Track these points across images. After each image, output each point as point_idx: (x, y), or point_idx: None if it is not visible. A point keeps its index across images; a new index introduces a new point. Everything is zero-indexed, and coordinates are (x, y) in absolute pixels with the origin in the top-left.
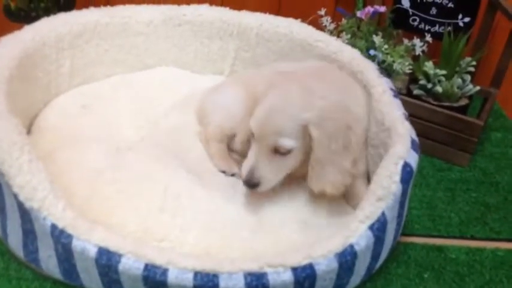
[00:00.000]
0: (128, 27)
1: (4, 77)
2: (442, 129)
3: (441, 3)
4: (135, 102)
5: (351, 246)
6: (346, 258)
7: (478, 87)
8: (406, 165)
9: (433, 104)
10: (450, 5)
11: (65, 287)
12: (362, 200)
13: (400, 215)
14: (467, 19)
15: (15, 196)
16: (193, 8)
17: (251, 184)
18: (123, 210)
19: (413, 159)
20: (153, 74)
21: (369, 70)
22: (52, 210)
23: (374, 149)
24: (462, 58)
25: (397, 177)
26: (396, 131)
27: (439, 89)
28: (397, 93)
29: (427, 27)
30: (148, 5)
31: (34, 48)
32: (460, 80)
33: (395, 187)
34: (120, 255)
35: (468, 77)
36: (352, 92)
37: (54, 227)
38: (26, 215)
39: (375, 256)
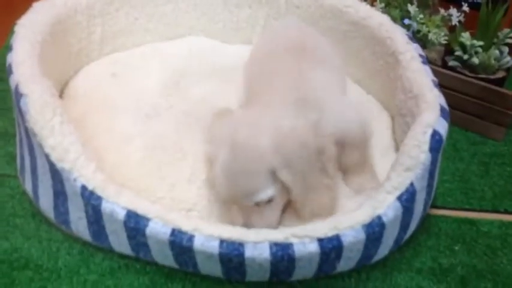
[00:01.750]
0: None
1: (37, 42)
2: (476, 102)
3: None
4: (164, 71)
5: (379, 217)
6: (374, 230)
7: None
8: (435, 134)
9: (469, 76)
10: None
11: (94, 249)
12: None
13: (429, 185)
14: None
15: (47, 157)
16: None
17: None
18: (152, 178)
19: (443, 127)
20: (183, 43)
21: (397, 36)
22: (83, 172)
23: (401, 117)
24: (500, 29)
25: (425, 146)
26: (424, 98)
27: (475, 60)
28: (426, 60)
29: None
30: None
31: (66, 14)
32: (497, 52)
33: (424, 156)
34: (147, 219)
35: (506, 49)
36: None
37: (84, 188)
38: (57, 176)
39: (404, 227)
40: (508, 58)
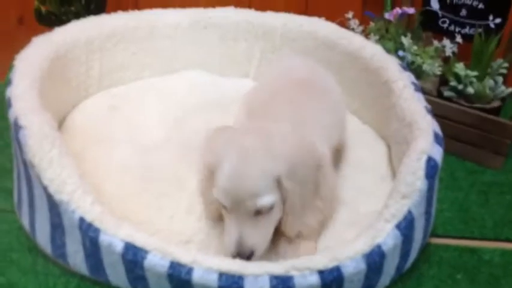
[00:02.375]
0: (155, 30)
1: (36, 76)
2: (474, 131)
3: (471, 4)
4: (162, 104)
5: (378, 246)
6: (374, 259)
7: (510, 89)
8: (429, 160)
9: (465, 106)
10: (481, 6)
11: (92, 283)
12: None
13: (428, 212)
14: (498, 20)
15: (45, 189)
16: (219, 10)
17: (245, 257)
18: (150, 210)
19: (438, 153)
20: (180, 77)
21: (390, 65)
22: (81, 204)
23: (397, 145)
24: (494, 60)
25: (421, 173)
26: (417, 125)
27: (470, 90)
28: (419, 88)
29: (457, 29)
30: (175, 8)
31: (65, 49)
32: (492, 82)
33: (420, 183)
34: (146, 252)
35: (500, 79)
36: (321, 106)
37: (82, 220)
38: (54, 209)
39: (404, 255)
40: (503, 88)
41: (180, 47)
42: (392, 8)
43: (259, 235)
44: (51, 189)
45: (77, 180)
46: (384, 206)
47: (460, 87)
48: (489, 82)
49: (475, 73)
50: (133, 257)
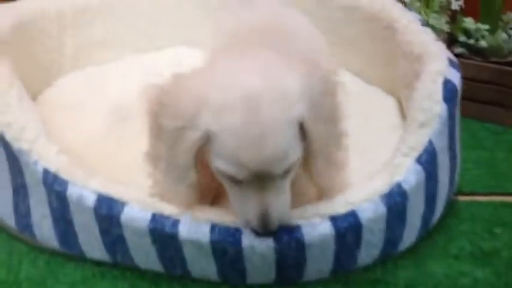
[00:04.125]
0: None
1: None
2: (492, 88)
3: None
4: (145, 80)
5: (398, 185)
6: (395, 200)
7: None
8: (447, 82)
9: (480, 61)
10: None
11: (64, 258)
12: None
13: (451, 149)
14: None
15: (2, 138)
16: None
17: (273, 233)
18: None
19: (455, 76)
20: (164, 55)
21: (390, 6)
22: (44, 153)
23: (408, 90)
24: (503, 13)
25: (438, 96)
26: (428, 52)
27: (483, 43)
28: (427, 24)
29: None
30: None
31: (31, 19)
32: (505, 35)
33: (439, 108)
34: (122, 204)
35: None
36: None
37: (46, 172)
38: (14, 164)
39: (429, 201)
40: None
41: (162, 22)
42: None
43: (284, 202)
44: (9, 136)
45: (38, 125)
46: (400, 140)
47: (472, 41)
48: (502, 35)
49: (486, 26)
50: (108, 211)
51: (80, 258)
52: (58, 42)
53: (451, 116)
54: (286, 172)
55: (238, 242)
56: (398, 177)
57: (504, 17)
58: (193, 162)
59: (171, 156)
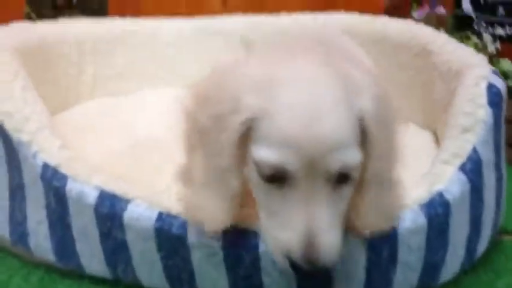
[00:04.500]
0: (156, 37)
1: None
2: None
3: (509, 1)
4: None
5: (440, 194)
6: (437, 211)
7: None
8: (491, 86)
9: None
10: None
11: (59, 275)
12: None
13: (498, 167)
14: None
15: (1, 128)
16: (224, 17)
17: (319, 267)
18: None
19: (499, 82)
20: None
21: (422, 30)
22: (45, 146)
23: (445, 111)
24: None
25: (482, 100)
26: (468, 63)
27: None
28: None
29: (495, 31)
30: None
31: (51, 41)
32: None
33: (484, 112)
34: (126, 201)
35: None
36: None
37: (45, 166)
38: (13, 160)
39: (475, 222)
40: None
41: (183, 56)
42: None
43: (333, 224)
44: (8, 126)
45: (43, 118)
46: (440, 149)
47: (510, 83)
48: None
49: None
50: (110, 208)
51: (77, 274)
52: (78, 69)
53: (496, 124)
54: (343, 177)
55: (255, 247)
56: (439, 186)
57: None
58: (236, 164)
59: (211, 158)
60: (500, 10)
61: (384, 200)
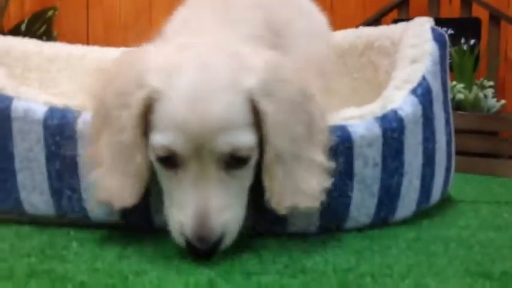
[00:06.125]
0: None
1: None
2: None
3: None
4: None
5: (394, 111)
6: (391, 125)
7: (502, 101)
8: (434, 29)
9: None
10: (450, 31)
11: None
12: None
13: (445, 97)
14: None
15: None
16: None
17: (210, 244)
18: None
19: (442, 35)
20: None
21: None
22: None
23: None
24: (477, 78)
25: (428, 35)
26: (408, 26)
27: (460, 96)
28: None
29: None
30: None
31: None
32: (481, 95)
33: (430, 46)
34: (78, 111)
35: (489, 92)
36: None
37: None
38: None
39: (428, 158)
40: (493, 101)
41: None
42: None
43: (231, 204)
44: None
45: None
46: (391, 78)
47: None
48: (479, 95)
49: (462, 84)
50: (60, 119)
51: (15, 216)
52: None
53: (442, 64)
54: (237, 158)
55: None
56: (393, 105)
57: (477, 82)
58: (139, 141)
59: (115, 135)
60: None
61: (298, 179)
